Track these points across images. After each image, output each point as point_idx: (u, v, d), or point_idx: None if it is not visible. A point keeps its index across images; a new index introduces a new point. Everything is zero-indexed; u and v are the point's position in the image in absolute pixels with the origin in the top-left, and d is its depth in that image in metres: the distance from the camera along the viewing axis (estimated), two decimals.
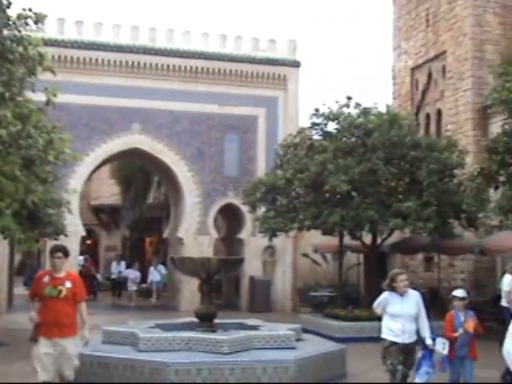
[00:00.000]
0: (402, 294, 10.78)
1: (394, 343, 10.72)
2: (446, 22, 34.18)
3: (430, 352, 11.10)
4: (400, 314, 10.68)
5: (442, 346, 11.40)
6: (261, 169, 34.61)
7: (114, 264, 41.81)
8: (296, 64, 37.11)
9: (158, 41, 35.39)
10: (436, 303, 25.60)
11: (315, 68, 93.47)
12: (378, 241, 26.81)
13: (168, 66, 34.97)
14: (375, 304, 11.13)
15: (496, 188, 18.49)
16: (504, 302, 19.47)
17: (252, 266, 34.47)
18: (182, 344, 14.43)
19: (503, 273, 21.88)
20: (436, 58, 35.13)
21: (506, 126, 17.75)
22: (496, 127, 23.21)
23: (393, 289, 10.81)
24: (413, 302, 10.83)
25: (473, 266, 30.55)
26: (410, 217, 23.56)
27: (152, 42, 35.22)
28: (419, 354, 11.20)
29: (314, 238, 32.16)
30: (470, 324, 11.70)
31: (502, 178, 18.02)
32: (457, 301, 12.08)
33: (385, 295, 10.97)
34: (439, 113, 35.12)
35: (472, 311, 12.19)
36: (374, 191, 24.55)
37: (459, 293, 12.27)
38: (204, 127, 35.14)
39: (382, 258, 30.18)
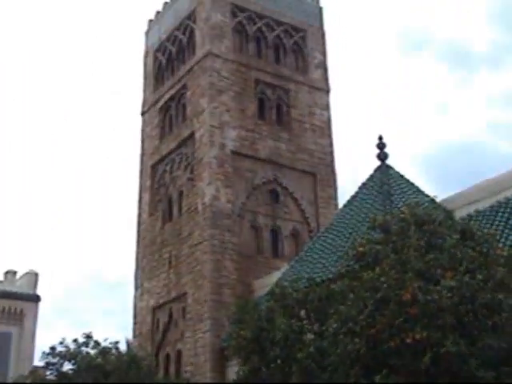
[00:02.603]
0: None
1: None
2: (187, 264, 35.56)
3: None
4: None
5: None
6: None
7: None
8: (35, 299, 35.69)
9: None
10: None
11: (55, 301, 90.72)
12: None
13: None
14: None
15: None
16: None
17: None
18: None
19: None
20: (177, 298, 35.87)
21: (241, 373, 18.08)
22: (232, 372, 23.63)
23: None
24: None
25: None
26: None
27: None
28: None
29: None
30: None
31: None
32: None
33: None
34: (179, 353, 35.12)
35: None
36: None
37: None
38: None
39: None
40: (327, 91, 42.47)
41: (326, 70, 43.07)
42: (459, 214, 21.81)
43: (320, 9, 45.13)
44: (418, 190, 27.74)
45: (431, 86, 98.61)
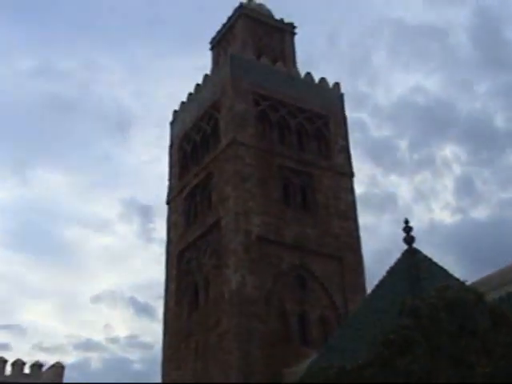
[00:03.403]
0: None
1: None
2: (214, 353, 34.99)
3: None
4: None
5: None
6: None
7: None
8: None
9: None
10: None
11: None
12: None
13: None
14: None
15: None
16: None
17: None
18: None
19: None
20: None
21: None
22: None
23: None
24: None
25: None
26: None
27: None
28: None
29: None
30: None
31: None
32: None
33: None
34: None
35: None
36: None
37: None
38: None
39: None
40: (351, 176, 42.70)
41: (348, 154, 43.45)
42: (490, 297, 21.35)
43: (341, 95, 45.94)
44: (447, 273, 27.26)
45: (455, 163, 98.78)
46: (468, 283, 22.90)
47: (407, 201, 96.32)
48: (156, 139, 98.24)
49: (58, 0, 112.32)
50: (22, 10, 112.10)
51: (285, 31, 49.40)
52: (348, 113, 45.31)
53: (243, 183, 38.22)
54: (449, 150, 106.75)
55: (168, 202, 44.78)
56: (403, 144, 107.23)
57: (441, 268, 28.00)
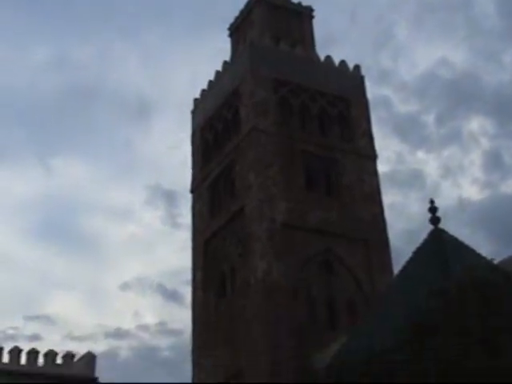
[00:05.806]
0: None
1: None
2: (242, 341, 35.06)
3: None
4: None
5: None
6: None
7: None
8: (93, 381, 35.56)
9: None
10: None
11: None
12: None
13: None
14: None
15: None
16: None
17: None
18: None
19: None
20: (235, 376, 35.24)
21: None
22: None
23: None
24: None
25: None
26: None
27: None
28: None
29: None
30: None
31: None
32: None
33: None
34: None
35: None
36: None
37: None
38: None
39: None
40: (374, 158, 42.42)
41: (371, 137, 43.16)
42: None
43: (362, 77, 45.60)
44: (474, 253, 27.04)
45: (483, 137, 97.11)
46: (496, 261, 22.68)
47: (434, 177, 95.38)
48: (177, 124, 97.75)
49: None
50: (36, 1, 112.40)
51: (303, 15, 49.02)
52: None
53: (266, 170, 38.16)
54: (476, 124, 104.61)
55: (192, 191, 44.88)
56: (430, 119, 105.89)
57: (468, 247, 27.73)
